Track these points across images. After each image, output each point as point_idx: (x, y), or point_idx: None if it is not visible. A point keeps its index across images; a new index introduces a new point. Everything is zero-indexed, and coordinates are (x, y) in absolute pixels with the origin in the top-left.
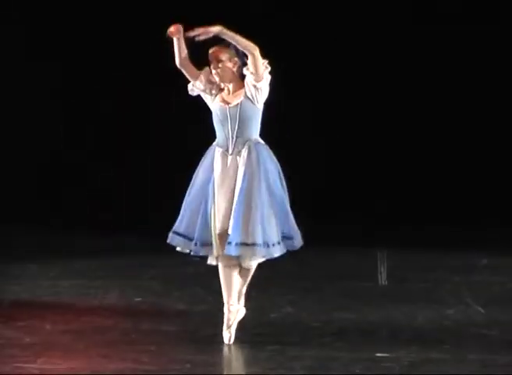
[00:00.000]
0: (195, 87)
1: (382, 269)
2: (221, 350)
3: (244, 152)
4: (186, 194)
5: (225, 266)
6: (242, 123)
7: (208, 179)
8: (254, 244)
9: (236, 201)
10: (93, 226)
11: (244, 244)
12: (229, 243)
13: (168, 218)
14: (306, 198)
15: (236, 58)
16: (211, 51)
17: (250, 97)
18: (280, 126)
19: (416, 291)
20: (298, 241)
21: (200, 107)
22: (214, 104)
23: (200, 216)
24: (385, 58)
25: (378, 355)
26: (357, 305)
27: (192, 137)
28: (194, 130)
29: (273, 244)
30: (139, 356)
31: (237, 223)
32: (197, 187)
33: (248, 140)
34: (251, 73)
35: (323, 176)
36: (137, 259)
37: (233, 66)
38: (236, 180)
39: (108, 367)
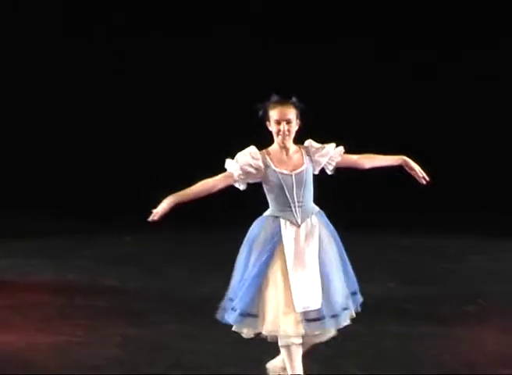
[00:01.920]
0: (243, 181)
1: None
2: (151, 323)
3: (313, 221)
4: (243, 268)
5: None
6: (307, 189)
7: (269, 253)
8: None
9: (320, 274)
10: (31, 207)
11: (334, 316)
12: (323, 317)
13: (103, 199)
14: None
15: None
16: (277, 109)
17: (316, 164)
18: None
19: None
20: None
21: None
22: (270, 173)
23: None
24: None
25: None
26: None
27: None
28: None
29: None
30: (73, 330)
31: (328, 295)
32: (259, 263)
33: (312, 207)
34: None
35: None
36: (74, 239)
37: (296, 127)
38: (311, 253)
39: (43, 340)
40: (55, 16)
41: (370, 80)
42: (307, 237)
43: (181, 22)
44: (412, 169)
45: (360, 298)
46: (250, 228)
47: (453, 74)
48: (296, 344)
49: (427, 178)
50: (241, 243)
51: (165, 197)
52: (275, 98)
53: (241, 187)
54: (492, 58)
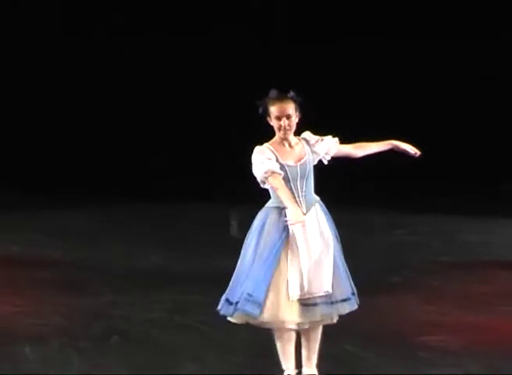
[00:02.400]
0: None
1: (234, 223)
2: (91, 293)
3: (317, 209)
4: (251, 259)
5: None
6: (310, 179)
7: (280, 243)
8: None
9: (329, 260)
10: None
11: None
12: (342, 300)
13: (52, 176)
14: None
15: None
16: (277, 105)
17: (315, 155)
18: None
19: None
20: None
21: None
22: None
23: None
24: None
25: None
26: (214, 254)
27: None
28: None
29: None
30: (17, 300)
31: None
32: (272, 255)
33: (314, 196)
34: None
35: None
36: (18, 214)
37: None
38: (320, 240)
39: None
40: (55, 14)
41: (365, 71)
42: (313, 225)
43: (181, 21)
44: (403, 149)
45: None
46: (256, 219)
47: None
48: (290, 334)
49: (418, 152)
50: (173, 219)
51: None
52: (273, 93)
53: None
54: (485, 45)
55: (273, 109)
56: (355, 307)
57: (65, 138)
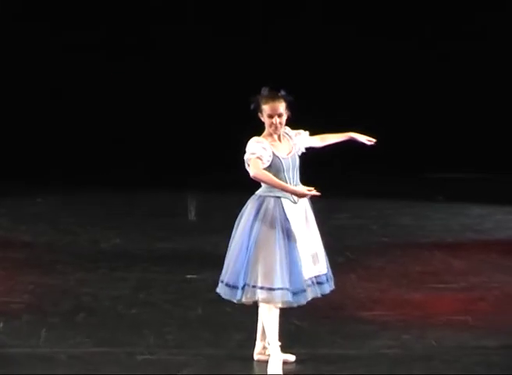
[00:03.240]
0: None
1: (192, 208)
2: (59, 273)
3: (305, 199)
4: (246, 244)
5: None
6: (298, 170)
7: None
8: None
9: (317, 246)
10: None
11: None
12: (322, 283)
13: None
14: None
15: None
16: (269, 104)
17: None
18: None
19: (219, 225)
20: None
21: None
22: (273, 157)
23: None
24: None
25: (188, 276)
26: (171, 237)
27: None
28: None
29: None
30: None
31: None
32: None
33: (302, 187)
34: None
35: None
36: None
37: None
38: (311, 225)
39: None
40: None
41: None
42: (303, 212)
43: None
44: (360, 141)
45: None
46: (248, 207)
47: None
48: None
49: (373, 140)
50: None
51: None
52: (265, 91)
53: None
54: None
55: (266, 108)
56: (332, 288)
57: (33, 126)
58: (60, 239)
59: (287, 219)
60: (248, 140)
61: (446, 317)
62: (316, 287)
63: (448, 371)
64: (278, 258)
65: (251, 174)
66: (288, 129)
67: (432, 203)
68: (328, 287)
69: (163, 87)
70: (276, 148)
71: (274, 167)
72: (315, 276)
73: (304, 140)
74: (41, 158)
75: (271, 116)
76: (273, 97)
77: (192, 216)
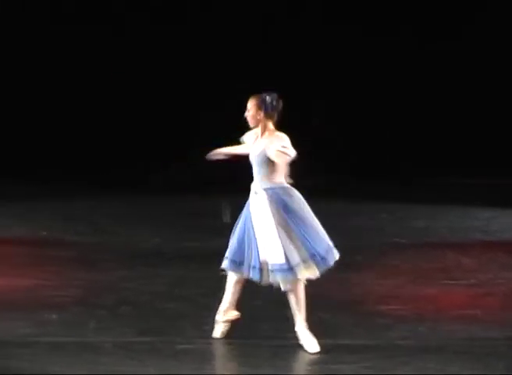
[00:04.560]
0: None
1: (226, 211)
2: (104, 269)
3: (264, 196)
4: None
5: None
6: (261, 169)
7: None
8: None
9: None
10: (9, 178)
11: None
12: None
13: (69, 170)
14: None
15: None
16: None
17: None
18: None
19: None
20: None
21: None
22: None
23: None
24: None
25: (222, 273)
26: (205, 237)
27: None
28: None
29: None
30: (44, 275)
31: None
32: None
33: (263, 184)
34: None
35: None
36: (43, 203)
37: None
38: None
39: (21, 284)
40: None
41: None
42: (261, 205)
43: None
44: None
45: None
46: None
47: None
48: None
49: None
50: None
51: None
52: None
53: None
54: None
55: None
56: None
57: (72, 130)
58: (103, 239)
59: (248, 208)
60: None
61: (456, 311)
62: (270, 273)
63: (460, 360)
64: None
65: None
66: (282, 135)
67: (440, 207)
68: (280, 277)
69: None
70: (255, 142)
71: (250, 160)
72: (269, 263)
73: (271, 151)
74: (82, 162)
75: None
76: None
77: (227, 218)
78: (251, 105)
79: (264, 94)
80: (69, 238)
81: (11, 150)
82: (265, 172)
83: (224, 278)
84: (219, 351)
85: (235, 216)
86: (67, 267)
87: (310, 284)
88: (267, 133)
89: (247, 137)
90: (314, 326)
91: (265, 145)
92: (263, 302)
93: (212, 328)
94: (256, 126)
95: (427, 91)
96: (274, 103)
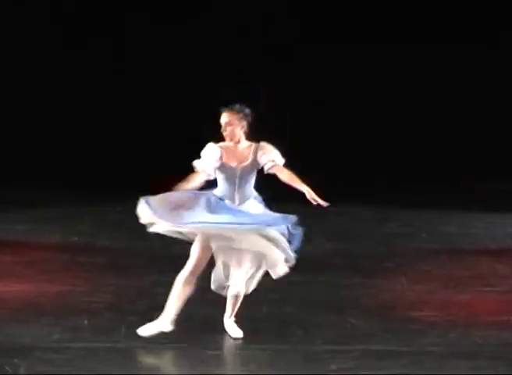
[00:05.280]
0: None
1: None
2: (136, 275)
3: (249, 203)
4: None
5: None
6: (247, 180)
7: None
8: None
9: None
10: (42, 182)
11: None
12: None
13: (99, 175)
14: None
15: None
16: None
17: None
18: None
19: None
20: None
21: None
22: (222, 164)
23: None
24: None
25: None
26: None
27: None
28: None
29: None
30: (75, 281)
31: None
32: None
33: (250, 192)
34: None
35: None
36: (75, 208)
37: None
38: None
39: (51, 289)
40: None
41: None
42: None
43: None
44: (312, 197)
45: None
46: None
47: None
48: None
49: (323, 203)
50: None
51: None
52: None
53: (212, 176)
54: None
55: (221, 118)
56: None
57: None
58: (135, 244)
59: None
60: None
61: (489, 317)
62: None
63: (492, 367)
64: None
65: None
66: (264, 144)
67: (475, 213)
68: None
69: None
70: (228, 154)
71: (222, 173)
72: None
73: (266, 162)
74: (119, 170)
75: (222, 125)
76: (224, 109)
77: None
78: (231, 119)
79: (241, 106)
80: (100, 243)
81: (52, 157)
82: (251, 182)
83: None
84: (251, 356)
85: None
86: (98, 273)
87: (342, 290)
88: (244, 143)
89: (210, 161)
90: (345, 332)
91: (253, 155)
92: (294, 308)
93: (243, 334)
94: (233, 139)
95: (467, 97)
96: (249, 112)
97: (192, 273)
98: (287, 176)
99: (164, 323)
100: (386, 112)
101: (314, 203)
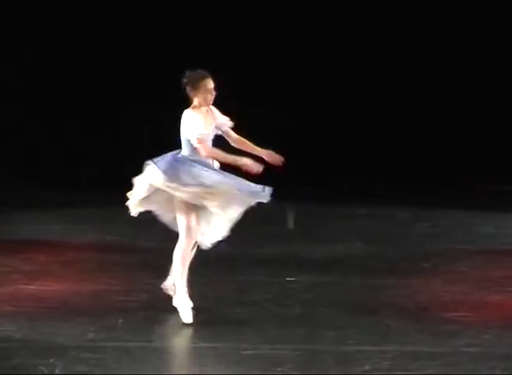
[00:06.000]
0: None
1: (290, 217)
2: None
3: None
4: None
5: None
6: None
7: None
8: None
9: None
10: (76, 184)
11: None
12: None
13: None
14: None
15: None
16: (209, 80)
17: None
18: None
19: (315, 232)
20: None
21: None
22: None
23: None
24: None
25: (287, 279)
26: (271, 243)
27: None
28: None
29: None
30: (110, 280)
31: None
32: None
33: None
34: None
35: None
36: (109, 209)
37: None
38: None
39: (86, 288)
40: None
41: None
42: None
43: None
44: (275, 159)
45: None
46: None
47: None
48: None
49: (282, 159)
50: None
51: None
52: (202, 71)
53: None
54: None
55: (207, 83)
56: None
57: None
58: (168, 244)
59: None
60: None
61: None
62: None
63: None
64: None
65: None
66: (211, 106)
67: (509, 214)
68: None
69: None
70: (206, 120)
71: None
72: None
73: (222, 123)
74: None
75: (211, 91)
76: (208, 74)
77: (291, 224)
78: (213, 84)
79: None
80: (135, 243)
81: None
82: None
83: (290, 283)
84: (285, 357)
85: (299, 222)
86: (133, 272)
87: (377, 291)
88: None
89: (206, 121)
90: (379, 333)
91: (215, 117)
92: (327, 309)
93: (276, 334)
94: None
95: (494, 97)
96: None
97: (189, 244)
98: (240, 139)
99: (185, 299)
100: (418, 113)
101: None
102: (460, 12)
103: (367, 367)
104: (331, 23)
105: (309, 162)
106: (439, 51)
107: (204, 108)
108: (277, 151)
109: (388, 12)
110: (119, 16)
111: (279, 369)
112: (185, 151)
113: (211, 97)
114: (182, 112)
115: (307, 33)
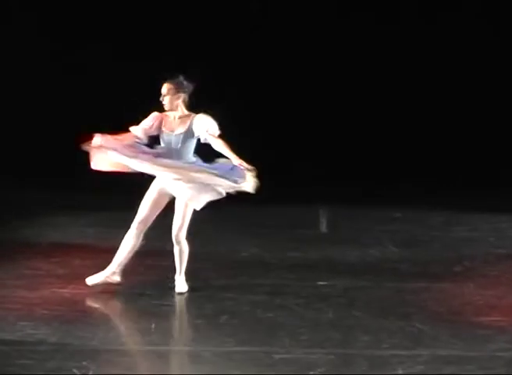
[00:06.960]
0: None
1: (323, 220)
2: (202, 279)
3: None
4: None
5: None
6: (183, 147)
7: None
8: None
9: None
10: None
11: None
12: None
13: None
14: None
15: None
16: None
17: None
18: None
19: (348, 236)
20: None
21: None
22: (162, 131)
23: None
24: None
25: (320, 283)
26: (303, 247)
27: None
28: None
29: None
30: (144, 284)
31: None
32: None
33: (187, 160)
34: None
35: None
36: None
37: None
38: None
39: (120, 292)
40: None
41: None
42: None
43: None
44: (239, 164)
45: None
46: None
47: None
48: None
49: (248, 167)
50: None
51: None
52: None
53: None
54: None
55: None
56: None
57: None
58: (204, 248)
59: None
60: None
61: None
62: None
63: None
64: None
65: None
66: (200, 115)
67: None
68: None
69: None
70: (167, 123)
71: (162, 140)
72: None
73: (201, 132)
74: None
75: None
76: (166, 80)
77: (323, 227)
78: (169, 89)
79: (179, 77)
80: (169, 247)
81: None
82: (190, 149)
83: (322, 287)
84: (318, 361)
85: (332, 226)
86: (166, 276)
87: (409, 294)
88: (184, 113)
89: (142, 125)
90: (411, 337)
91: (190, 125)
92: (360, 313)
93: (309, 338)
94: (171, 109)
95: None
96: (189, 84)
97: (139, 226)
98: (219, 145)
99: (109, 273)
100: (456, 117)
101: (242, 168)
102: (460, 12)
103: (400, 371)
104: (331, 23)
105: (344, 165)
106: (451, 53)
107: (170, 113)
108: (315, 152)
109: (388, 11)
110: None
111: (312, 373)
112: None
113: (162, 101)
114: None
115: (307, 34)
